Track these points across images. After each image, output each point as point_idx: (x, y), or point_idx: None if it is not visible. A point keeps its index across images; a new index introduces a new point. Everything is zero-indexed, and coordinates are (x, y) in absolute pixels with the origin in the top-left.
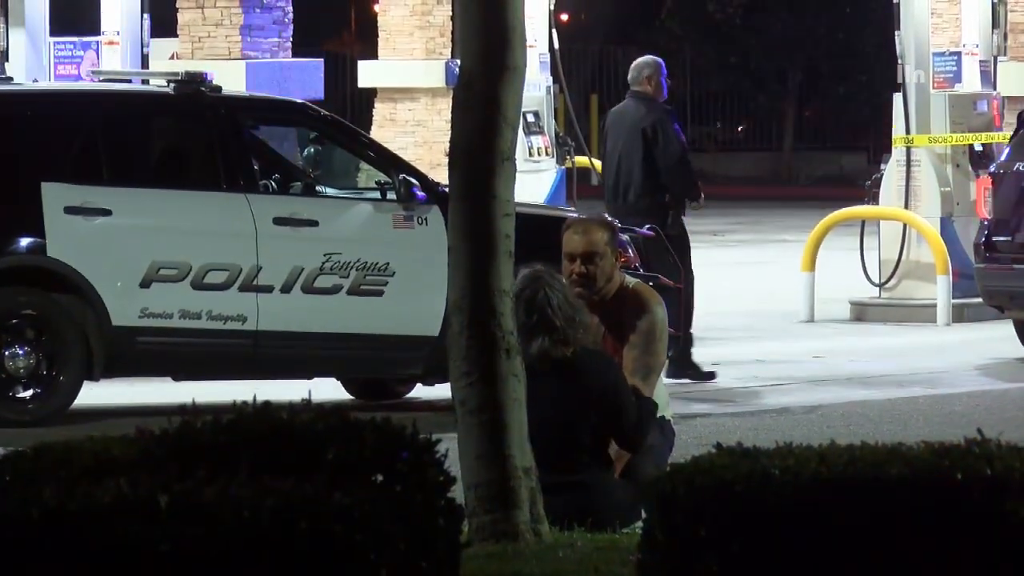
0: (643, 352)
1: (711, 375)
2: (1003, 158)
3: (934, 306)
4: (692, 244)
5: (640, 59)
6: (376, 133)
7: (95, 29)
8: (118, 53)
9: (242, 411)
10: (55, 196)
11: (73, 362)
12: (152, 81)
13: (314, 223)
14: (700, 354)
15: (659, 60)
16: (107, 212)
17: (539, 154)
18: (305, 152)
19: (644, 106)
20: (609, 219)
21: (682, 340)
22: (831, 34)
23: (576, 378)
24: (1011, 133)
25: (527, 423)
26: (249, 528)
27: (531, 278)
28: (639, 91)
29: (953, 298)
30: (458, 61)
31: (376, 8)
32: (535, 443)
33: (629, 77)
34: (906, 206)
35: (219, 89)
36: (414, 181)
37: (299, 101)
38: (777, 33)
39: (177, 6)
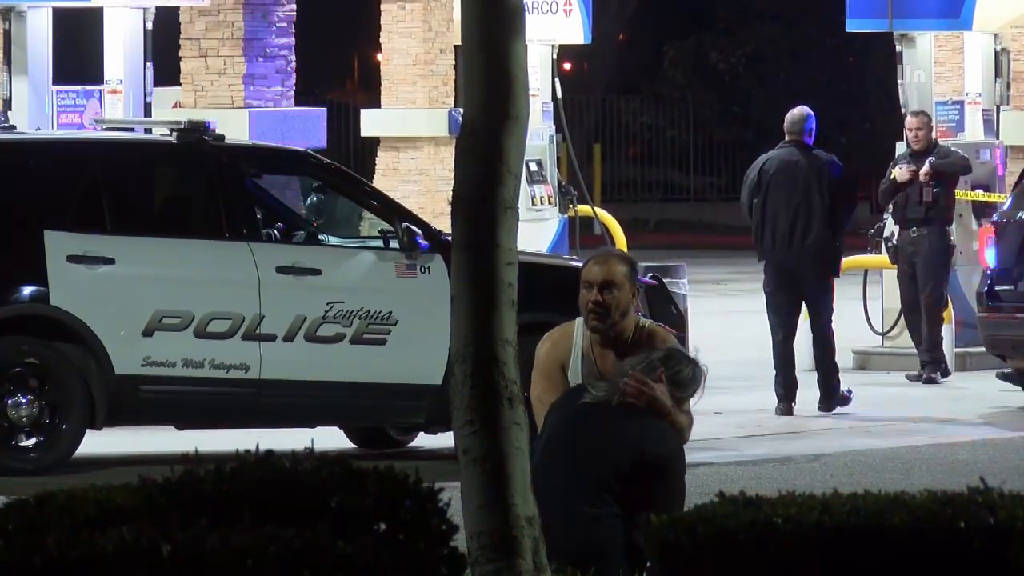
0: None
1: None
2: (1006, 207)
3: None
4: (694, 293)
5: (796, 110)
6: (379, 182)
7: (98, 78)
8: (121, 102)
9: (245, 460)
10: (58, 245)
11: (76, 411)
12: (155, 130)
13: (317, 272)
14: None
15: (810, 110)
16: (110, 261)
17: (542, 203)
18: (308, 201)
19: (818, 155)
20: (629, 256)
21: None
22: (833, 84)
23: (633, 425)
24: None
25: (563, 441)
26: None
27: (696, 358)
28: (798, 140)
29: (956, 347)
30: (461, 110)
31: (379, 57)
32: (563, 465)
33: (788, 127)
34: None
35: (222, 138)
36: (417, 230)
37: (302, 150)
38: (779, 83)
39: (180, 55)
